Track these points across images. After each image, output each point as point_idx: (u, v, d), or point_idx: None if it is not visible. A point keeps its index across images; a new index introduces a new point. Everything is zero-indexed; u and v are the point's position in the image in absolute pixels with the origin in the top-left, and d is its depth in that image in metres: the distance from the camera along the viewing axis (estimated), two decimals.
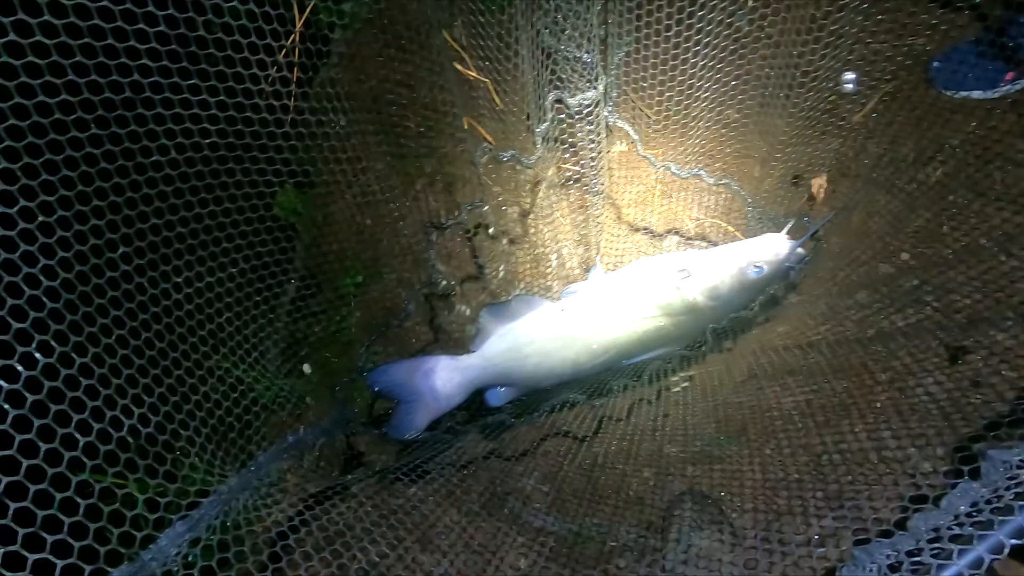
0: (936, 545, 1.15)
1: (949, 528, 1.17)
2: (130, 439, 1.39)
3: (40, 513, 1.17)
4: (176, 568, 1.36)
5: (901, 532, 1.25)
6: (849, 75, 2.24)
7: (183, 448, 1.53)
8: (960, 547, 1.09)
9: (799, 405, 1.82)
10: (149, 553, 1.35)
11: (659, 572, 1.67)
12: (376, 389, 2.04)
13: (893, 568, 1.18)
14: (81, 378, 1.29)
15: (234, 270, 1.71)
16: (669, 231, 2.40)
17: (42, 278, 1.26)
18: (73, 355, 1.30)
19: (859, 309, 1.94)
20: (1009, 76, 2.08)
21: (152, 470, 1.43)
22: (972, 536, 1.11)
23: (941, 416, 1.50)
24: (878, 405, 1.63)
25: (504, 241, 2.36)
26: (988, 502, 1.18)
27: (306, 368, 2.08)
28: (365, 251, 2.14)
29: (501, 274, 2.37)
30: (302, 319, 1.94)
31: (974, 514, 1.17)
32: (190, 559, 1.39)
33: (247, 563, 1.47)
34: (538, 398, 2.26)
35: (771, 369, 1.99)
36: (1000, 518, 1.11)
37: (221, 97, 1.60)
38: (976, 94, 2.12)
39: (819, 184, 2.26)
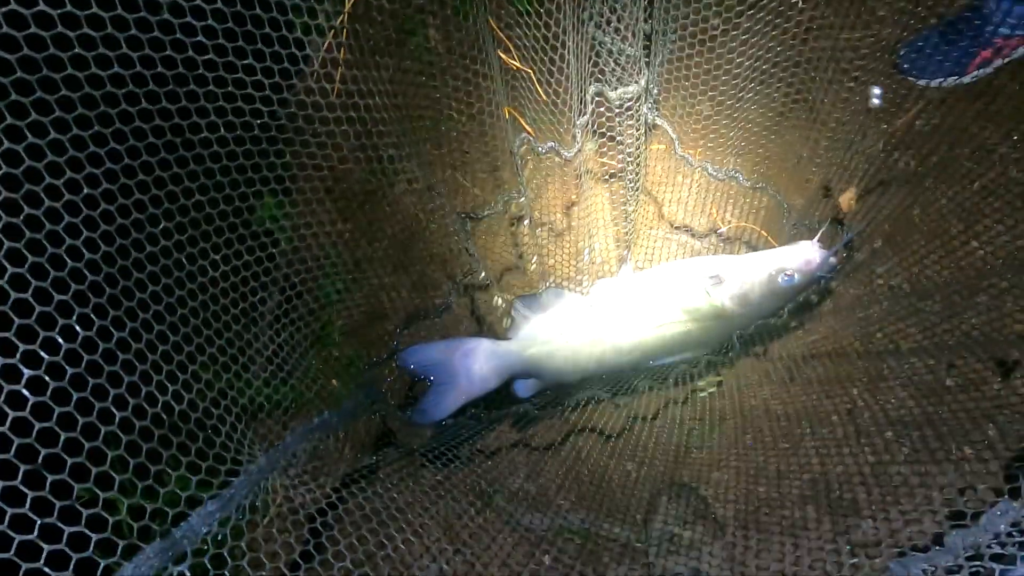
0: (976, 563, 1.14)
1: (989, 546, 1.16)
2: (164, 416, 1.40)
3: (76, 486, 1.17)
4: (206, 547, 1.37)
5: (938, 547, 1.24)
6: (876, 89, 2.21)
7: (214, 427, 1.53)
8: (1002, 567, 1.09)
9: (835, 413, 1.81)
10: (180, 531, 1.35)
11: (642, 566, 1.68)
12: (409, 368, 2.00)
13: None
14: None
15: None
16: (703, 233, 2.38)
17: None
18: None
19: (893, 321, 1.92)
20: (981, 57, 2.07)
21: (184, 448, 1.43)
22: (1015, 556, 1.10)
23: (979, 433, 1.49)
24: (914, 418, 1.62)
25: (540, 234, 2.35)
26: None
27: (334, 352, 2.08)
28: (347, 257, 2.11)
29: (534, 266, 2.35)
30: (285, 327, 1.91)
31: (1015, 534, 1.16)
32: (219, 538, 1.40)
33: (275, 544, 1.47)
34: (563, 392, 2.25)
35: (806, 377, 1.98)
36: None
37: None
38: (948, 80, 2.13)
39: (848, 198, 2.23)
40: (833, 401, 1.84)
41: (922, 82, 2.16)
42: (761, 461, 1.82)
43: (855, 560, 1.37)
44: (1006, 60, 2.08)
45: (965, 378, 1.65)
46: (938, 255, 1.94)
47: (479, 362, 1.99)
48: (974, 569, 1.14)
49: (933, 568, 1.20)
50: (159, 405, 1.39)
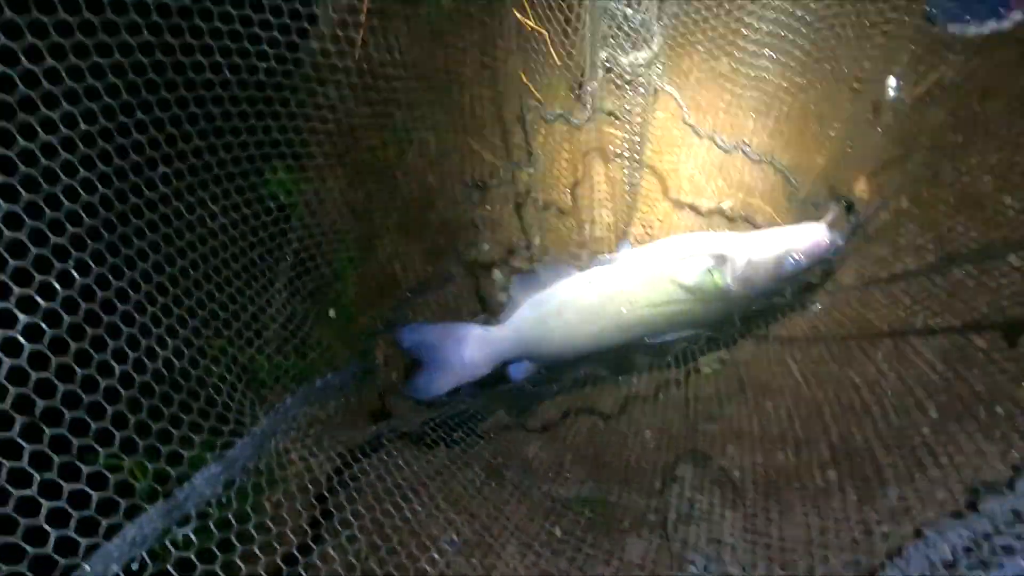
0: (1018, 528, 1.13)
1: None
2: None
3: (76, 441, 1.09)
4: (211, 509, 1.30)
5: (975, 513, 1.23)
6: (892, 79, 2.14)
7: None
8: None
9: (856, 386, 1.78)
10: (184, 492, 1.28)
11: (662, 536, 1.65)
12: (404, 346, 2.01)
13: (969, 550, 1.15)
14: None
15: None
16: (708, 207, 2.34)
17: None
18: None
19: (919, 281, 1.88)
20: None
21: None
22: None
23: (1007, 399, 1.47)
24: (936, 390, 1.60)
25: (544, 206, 2.29)
26: None
27: (331, 313, 2.01)
28: (358, 227, 2.05)
29: (537, 241, 2.30)
30: (298, 298, 1.85)
31: None
32: (224, 500, 1.33)
33: (282, 510, 1.41)
34: (559, 371, 2.21)
35: (826, 343, 1.96)
36: None
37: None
38: (976, 28, 2.01)
39: (860, 188, 2.20)
40: (853, 366, 1.82)
41: (955, 29, 2.04)
42: (780, 428, 1.79)
43: (885, 528, 1.35)
44: None
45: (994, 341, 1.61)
46: (968, 213, 1.86)
47: (470, 349, 1.99)
48: (1017, 533, 1.12)
49: (972, 534, 1.18)
50: (159, 360, 1.32)
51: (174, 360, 1.36)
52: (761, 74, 2.09)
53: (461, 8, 1.91)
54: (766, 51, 2.03)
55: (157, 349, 1.32)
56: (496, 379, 2.13)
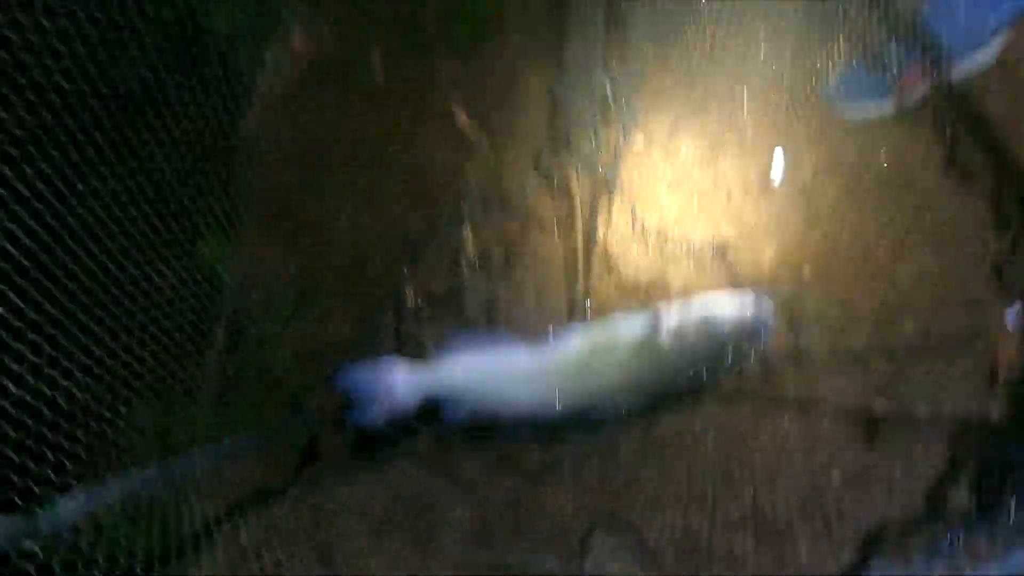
0: None
1: None
2: None
3: None
4: (65, 534, 1.36)
5: None
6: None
7: None
8: None
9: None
10: (43, 513, 1.33)
11: None
12: (337, 388, 2.11)
13: None
14: None
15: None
16: (653, 284, 2.36)
17: None
18: None
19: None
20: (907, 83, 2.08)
21: None
22: None
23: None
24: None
25: (486, 274, 2.37)
26: None
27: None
28: (289, 292, 2.21)
29: (476, 305, 2.37)
30: (233, 362, 1.96)
31: None
32: (79, 531, 1.39)
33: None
34: (493, 422, 2.23)
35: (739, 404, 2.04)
36: None
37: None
38: (864, 109, 2.16)
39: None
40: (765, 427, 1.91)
41: (846, 109, 2.20)
42: (695, 492, 1.86)
43: None
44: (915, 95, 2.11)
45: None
46: (866, 282, 2.03)
47: (397, 379, 2.06)
48: None
49: None
50: None
51: None
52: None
53: (397, 75, 2.07)
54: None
55: None
56: (430, 418, 2.19)
